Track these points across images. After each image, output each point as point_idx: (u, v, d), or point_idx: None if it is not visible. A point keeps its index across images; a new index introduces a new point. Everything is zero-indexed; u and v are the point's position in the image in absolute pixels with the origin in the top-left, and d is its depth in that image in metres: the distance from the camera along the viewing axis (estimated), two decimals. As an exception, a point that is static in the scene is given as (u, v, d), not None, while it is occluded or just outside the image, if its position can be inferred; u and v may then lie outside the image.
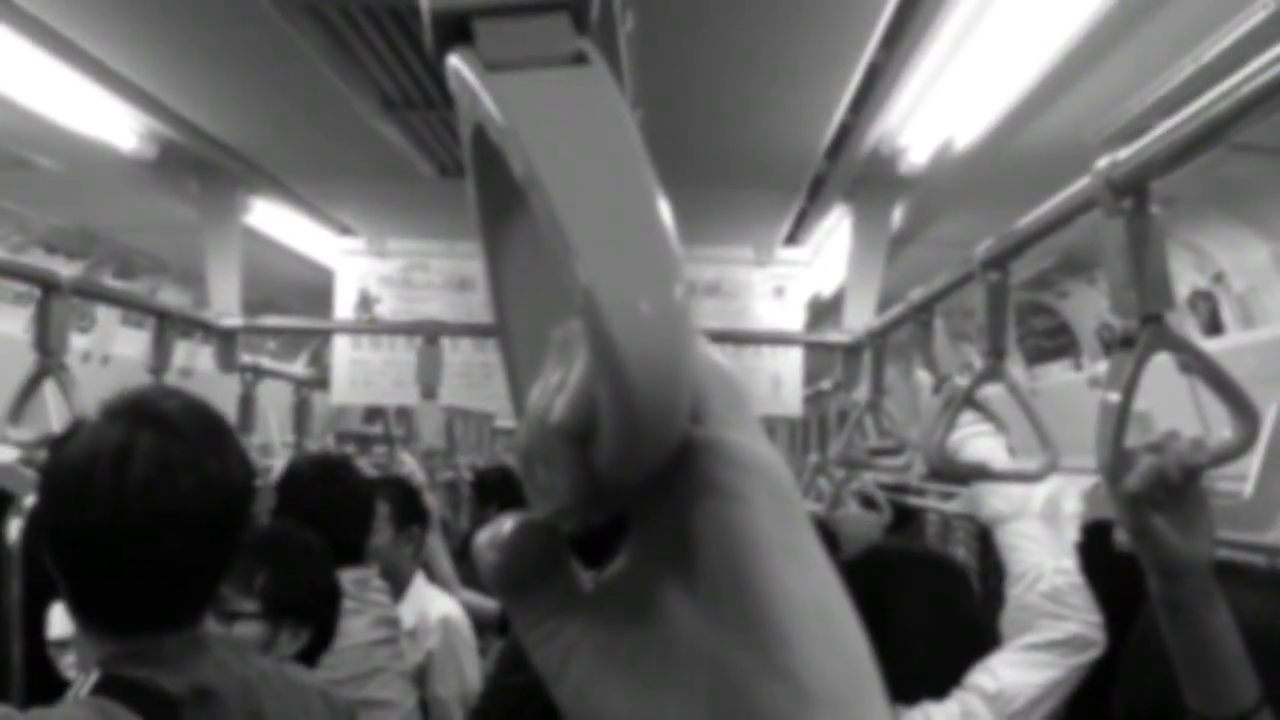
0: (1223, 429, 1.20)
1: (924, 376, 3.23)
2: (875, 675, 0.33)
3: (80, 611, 1.25)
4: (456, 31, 0.37)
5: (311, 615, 1.95)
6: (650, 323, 0.31)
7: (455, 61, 0.37)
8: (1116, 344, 1.17)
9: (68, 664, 2.13)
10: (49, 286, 1.96)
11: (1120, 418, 1.13)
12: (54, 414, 2.42)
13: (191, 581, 1.27)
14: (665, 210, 0.33)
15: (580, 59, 0.37)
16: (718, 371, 0.35)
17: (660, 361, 0.31)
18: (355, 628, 2.42)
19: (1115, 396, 1.14)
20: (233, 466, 1.27)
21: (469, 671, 3.08)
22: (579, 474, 0.33)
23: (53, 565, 1.24)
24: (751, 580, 0.32)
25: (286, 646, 1.88)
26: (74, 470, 1.22)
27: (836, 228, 3.51)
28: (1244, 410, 1.17)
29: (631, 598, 0.36)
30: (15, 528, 2.47)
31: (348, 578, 2.41)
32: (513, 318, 0.42)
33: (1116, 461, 1.13)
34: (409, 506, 3.24)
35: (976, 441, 1.89)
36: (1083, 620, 1.82)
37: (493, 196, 0.41)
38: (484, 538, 0.38)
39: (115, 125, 2.66)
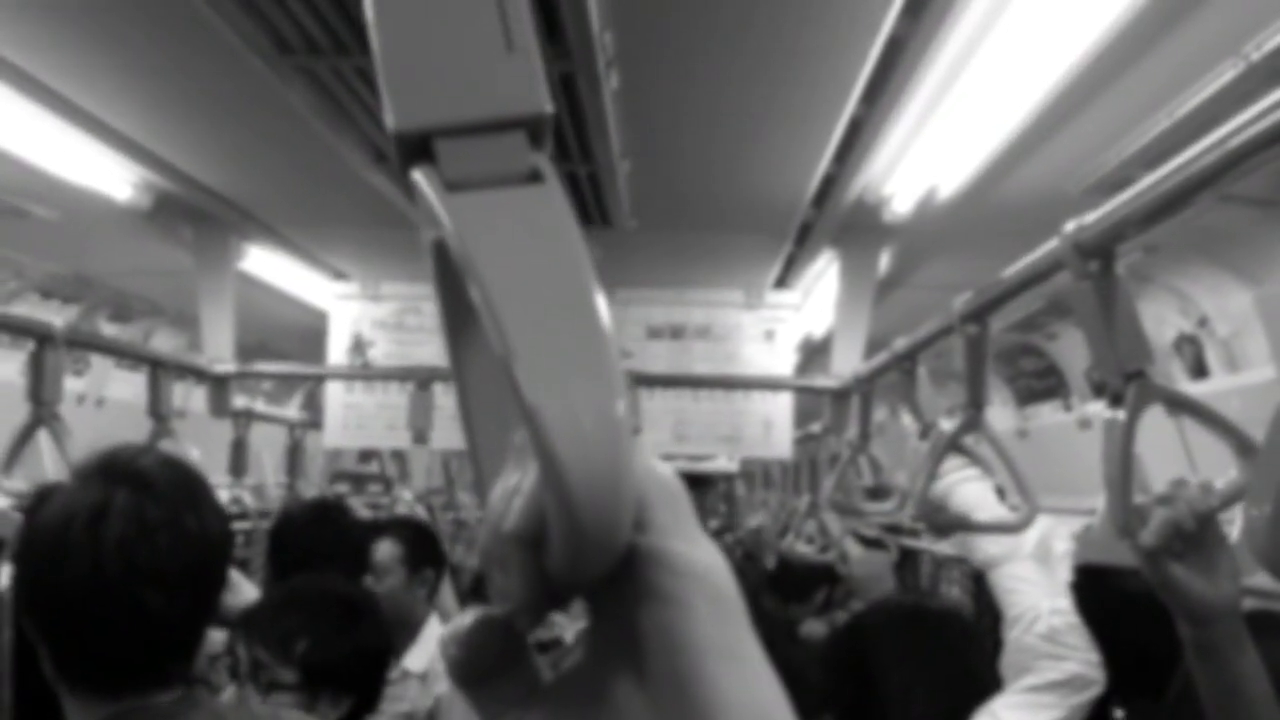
0: (1209, 461, 1.19)
1: (911, 421, 3.25)
2: None
3: (65, 676, 1.23)
4: (419, 149, 0.39)
5: (354, 684, 1.82)
6: (592, 441, 0.33)
7: (417, 178, 0.39)
8: (1108, 399, 1.18)
9: None
10: (43, 338, 1.98)
11: (1124, 476, 1.14)
12: (48, 463, 2.43)
13: (174, 638, 1.26)
14: (608, 327, 0.35)
15: (534, 177, 0.39)
16: (659, 481, 0.37)
17: (602, 477, 0.33)
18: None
19: (1115, 456, 1.15)
20: (209, 521, 1.26)
21: (477, 717, 3.03)
22: (532, 576, 0.35)
23: (32, 630, 1.23)
24: (690, 683, 0.34)
25: (326, 715, 1.77)
26: (50, 532, 1.20)
27: (826, 271, 3.54)
28: (1247, 448, 1.17)
29: (587, 689, 0.38)
30: (7, 574, 2.47)
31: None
32: (477, 417, 0.44)
33: (1129, 519, 1.13)
34: (423, 548, 3.07)
35: (965, 487, 1.90)
36: (1082, 659, 1.82)
37: (455, 305, 0.42)
38: (447, 633, 0.39)
39: (111, 177, 2.69)
